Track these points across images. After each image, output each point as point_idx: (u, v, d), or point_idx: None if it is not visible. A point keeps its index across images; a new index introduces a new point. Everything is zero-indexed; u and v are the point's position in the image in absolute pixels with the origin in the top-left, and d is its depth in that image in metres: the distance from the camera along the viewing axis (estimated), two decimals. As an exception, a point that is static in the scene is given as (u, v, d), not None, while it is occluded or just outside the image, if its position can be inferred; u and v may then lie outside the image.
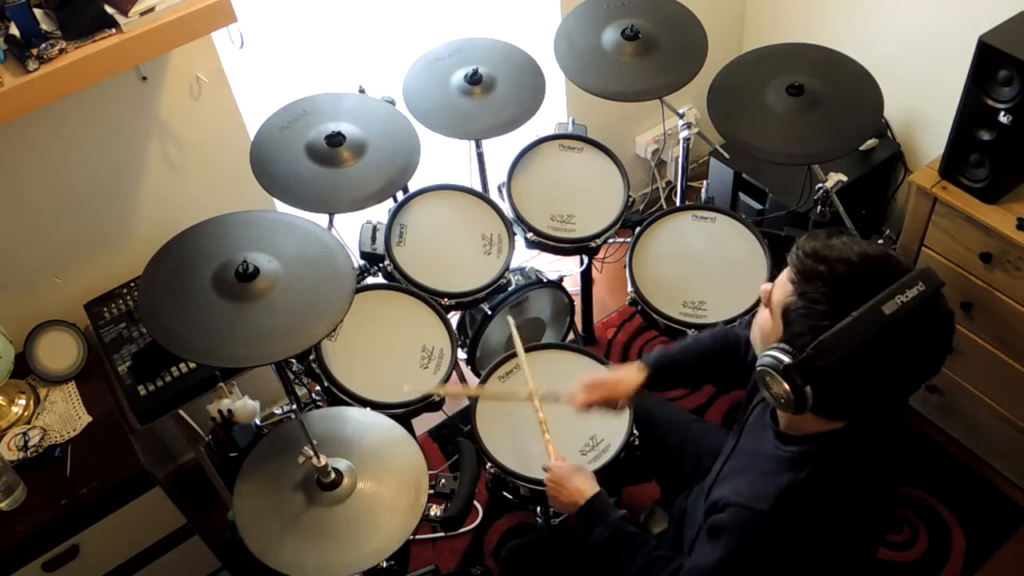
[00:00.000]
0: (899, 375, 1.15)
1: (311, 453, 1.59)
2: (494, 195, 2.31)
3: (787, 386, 1.14)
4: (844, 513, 1.26)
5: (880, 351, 1.10)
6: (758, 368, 1.19)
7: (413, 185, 2.18)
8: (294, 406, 2.05)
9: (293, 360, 1.94)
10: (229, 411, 1.99)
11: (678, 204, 2.40)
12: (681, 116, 2.28)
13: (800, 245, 1.18)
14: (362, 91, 2.14)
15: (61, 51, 1.61)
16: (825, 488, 1.23)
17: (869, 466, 1.26)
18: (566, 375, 1.93)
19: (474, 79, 2.15)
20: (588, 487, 1.54)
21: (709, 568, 1.31)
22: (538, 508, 2.12)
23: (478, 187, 2.38)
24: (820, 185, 2.15)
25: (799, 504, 1.23)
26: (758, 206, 2.69)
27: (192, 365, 1.99)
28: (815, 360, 1.10)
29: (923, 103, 2.51)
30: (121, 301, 2.09)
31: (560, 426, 1.78)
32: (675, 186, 3.04)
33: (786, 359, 1.13)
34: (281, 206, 2.00)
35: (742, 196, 2.76)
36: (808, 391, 1.13)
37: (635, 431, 1.82)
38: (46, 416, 1.95)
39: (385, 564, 1.59)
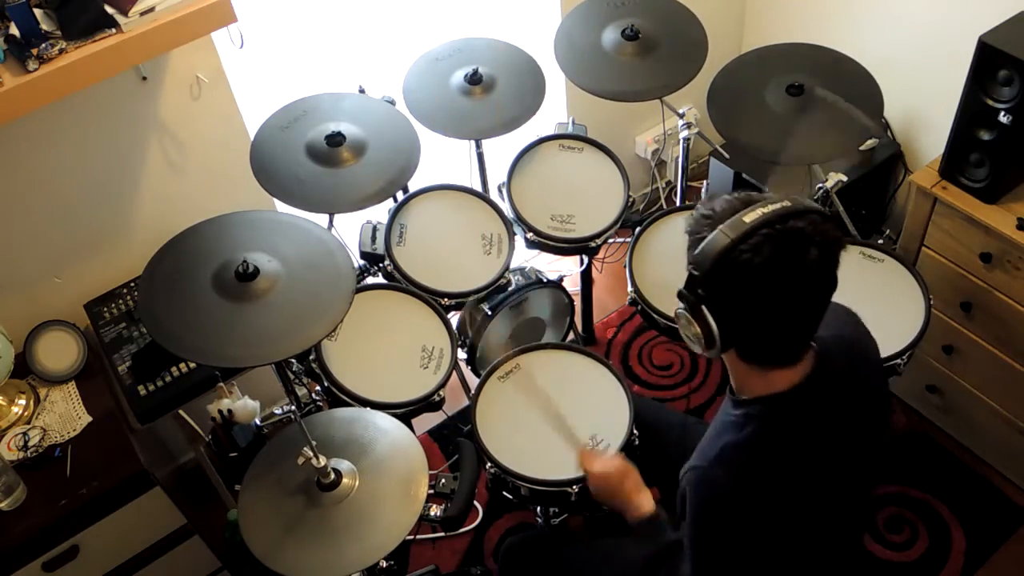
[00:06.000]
0: (780, 298, 1.17)
1: (311, 454, 1.59)
2: (494, 195, 2.31)
3: (688, 313, 1.21)
4: (791, 473, 1.27)
5: (755, 268, 1.13)
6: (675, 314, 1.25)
7: (413, 185, 2.18)
8: (294, 406, 2.05)
9: (293, 360, 1.94)
10: (229, 411, 2.00)
11: (678, 204, 2.40)
12: (681, 116, 2.28)
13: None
14: (362, 91, 2.14)
15: (61, 51, 1.61)
16: (766, 446, 1.26)
17: (815, 427, 1.27)
18: (566, 375, 1.94)
19: (474, 79, 2.15)
20: (642, 500, 1.54)
21: (686, 540, 1.33)
22: (538, 508, 2.12)
23: (478, 187, 2.38)
24: (820, 185, 2.15)
25: (739, 461, 1.26)
26: (758, 206, 2.69)
27: (192, 365, 1.99)
28: (694, 273, 1.18)
29: (923, 103, 2.51)
30: (121, 301, 2.09)
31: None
32: (675, 186, 3.04)
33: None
34: (281, 206, 2.00)
35: (742, 196, 2.76)
36: (706, 314, 1.19)
37: (635, 431, 1.82)
38: (46, 416, 1.95)
39: (385, 564, 1.59)
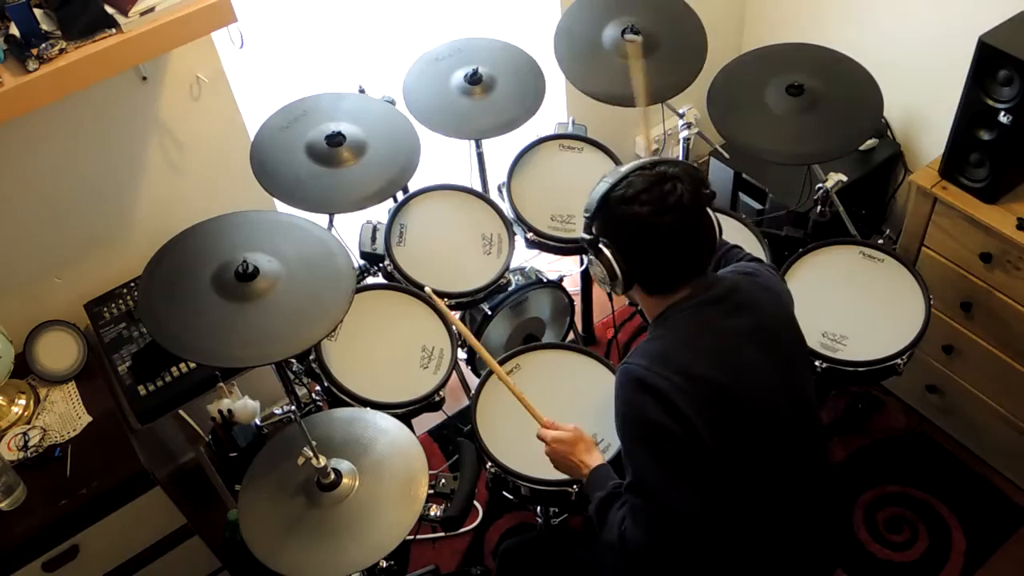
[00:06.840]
0: (657, 225, 1.35)
1: (311, 454, 1.59)
2: (494, 195, 2.31)
3: (590, 253, 1.43)
4: (697, 367, 1.35)
5: (629, 198, 1.35)
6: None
7: (413, 185, 2.18)
8: (294, 406, 2.05)
9: (293, 360, 1.94)
10: (229, 411, 1.99)
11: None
12: (681, 116, 2.28)
13: None
14: (362, 91, 2.14)
15: (61, 51, 1.61)
16: (672, 339, 1.41)
17: (710, 324, 1.41)
18: (566, 375, 1.94)
19: (474, 79, 2.15)
20: (591, 459, 1.58)
21: (623, 452, 1.42)
22: (538, 508, 2.12)
23: (478, 187, 2.38)
24: (820, 185, 2.15)
25: (654, 351, 1.39)
26: (758, 206, 2.69)
27: (192, 365, 1.99)
28: (585, 215, 1.42)
29: (923, 103, 2.51)
30: (121, 301, 2.09)
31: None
32: (675, 186, 3.03)
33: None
34: (281, 206, 2.00)
35: (742, 196, 2.76)
36: (603, 250, 1.39)
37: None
38: (46, 416, 1.95)
39: (385, 564, 1.59)
